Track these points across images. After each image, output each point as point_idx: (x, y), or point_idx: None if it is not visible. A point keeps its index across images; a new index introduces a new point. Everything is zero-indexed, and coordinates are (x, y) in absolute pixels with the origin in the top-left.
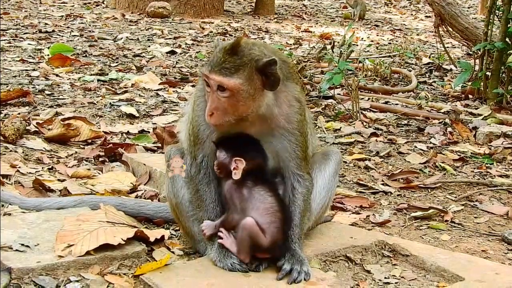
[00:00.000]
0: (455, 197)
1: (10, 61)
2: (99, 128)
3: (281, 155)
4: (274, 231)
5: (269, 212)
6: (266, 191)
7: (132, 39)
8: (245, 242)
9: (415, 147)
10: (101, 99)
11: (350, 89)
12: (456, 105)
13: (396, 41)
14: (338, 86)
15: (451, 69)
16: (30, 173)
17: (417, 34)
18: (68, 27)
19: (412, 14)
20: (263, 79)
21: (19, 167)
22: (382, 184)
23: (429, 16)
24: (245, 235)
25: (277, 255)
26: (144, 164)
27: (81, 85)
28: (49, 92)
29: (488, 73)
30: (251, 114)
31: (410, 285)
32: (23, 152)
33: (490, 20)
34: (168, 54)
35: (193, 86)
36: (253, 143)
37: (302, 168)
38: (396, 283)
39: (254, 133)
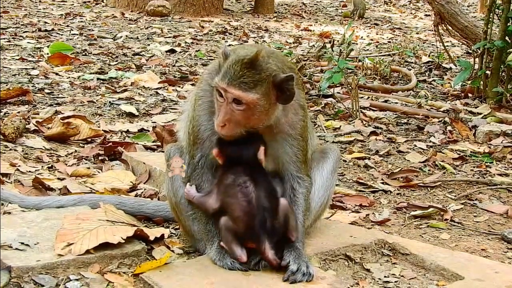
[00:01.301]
0: (455, 196)
1: (9, 59)
2: (98, 127)
3: (282, 158)
4: (245, 219)
5: (238, 206)
6: (242, 182)
7: (131, 38)
8: (227, 237)
9: (415, 145)
10: (100, 98)
11: (350, 87)
12: (455, 104)
13: (396, 39)
14: (337, 85)
15: (450, 68)
16: (29, 171)
17: (417, 33)
18: (67, 26)
19: (411, 13)
20: (277, 93)
21: (19, 166)
22: (382, 183)
23: (429, 15)
24: (223, 231)
25: (257, 243)
26: (144, 163)
27: (80, 83)
28: (49, 91)
29: (488, 72)
30: (261, 126)
31: (409, 284)
32: (22, 151)
33: (490, 19)
34: (168, 53)
35: (192, 85)
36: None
37: (302, 170)
38: (395, 282)
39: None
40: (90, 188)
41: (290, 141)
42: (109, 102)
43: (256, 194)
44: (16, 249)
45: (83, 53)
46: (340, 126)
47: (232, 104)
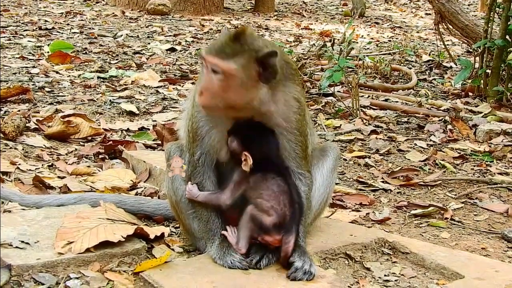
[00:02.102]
0: (455, 195)
1: (10, 58)
2: (99, 125)
3: (281, 154)
4: (279, 210)
5: (271, 197)
6: (272, 177)
7: (132, 36)
8: (245, 227)
9: (415, 144)
10: (101, 96)
11: (350, 86)
12: (456, 103)
13: (396, 38)
14: (338, 84)
15: (451, 67)
16: (30, 170)
17: (417, 32)
18: (68, 24)
19: (412, 12)
20: (260, 70)
21: (19, 164)
22: (382, 182)
23: (429, 14)
24: (246, 220)
25: (286, 233)
26: (144, 162)
27: (81, 82)
28: (49, 89)
29: (488, 71)
30: (241, 105)
31: (410, 282)
32: (23, 149)
33: (490, 18)
34: (168, 52)
35: (193, 83)
36: (264, 133)
37: (303, 167)
38: (396, 280)
39: None
40: (90, 186)
41: (287, 136)
42: (110, 100)
43: (287, 187)
44: (16, 247)
45: (84, 52)
46: (341, 125)
47: (212, 73)
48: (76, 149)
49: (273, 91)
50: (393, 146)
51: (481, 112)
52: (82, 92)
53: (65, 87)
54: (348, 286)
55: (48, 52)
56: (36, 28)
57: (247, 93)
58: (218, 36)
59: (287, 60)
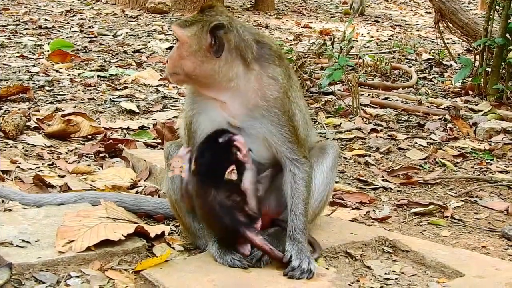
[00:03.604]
0: (455, 193)
1: (10, 57)
2: (99, 124)
3: (269, 140)
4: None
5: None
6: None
7: (132, 35)
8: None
9: (415, 143)
10: (101, 95)
11: (350, 85)
12: (456, 101)
13: (396, 37)
14: (338, 82)
15: (451, 65)
16: (30, 169)
17: (417, 30)
18: (68, 23)
19: (412, 10)
20: (211, 42)
21: (20, 163)
22: (382, 180)
23: (429, 12)
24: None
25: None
26: (144, 160)
27: (81, 81)
28: (49, 88)
29: (488, 69)
30: (200, 75)
31: (410, 280)
32: (23, 148)
33: (490, 16)
34: (168, 50)
35: None
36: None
37: (296, 152)
38: (396, 279)
39: (235, 115)
40: (91, 185)
41: (270, 117)
42: (110, 99)
43: (218, 198)
44: (17, 246)
45: (84, 51)
46: (341, 123)
47: (176, 43)
48: (76, 148)
49: (245, 70)
50: (393, 145)
51: (481, 111)
52: (82, 91)
53: (65, 86)
54: (349, 284)
55: (48, 51)
56: (36, 27)
57: (201, 64)
58: None
59: (263, 41)
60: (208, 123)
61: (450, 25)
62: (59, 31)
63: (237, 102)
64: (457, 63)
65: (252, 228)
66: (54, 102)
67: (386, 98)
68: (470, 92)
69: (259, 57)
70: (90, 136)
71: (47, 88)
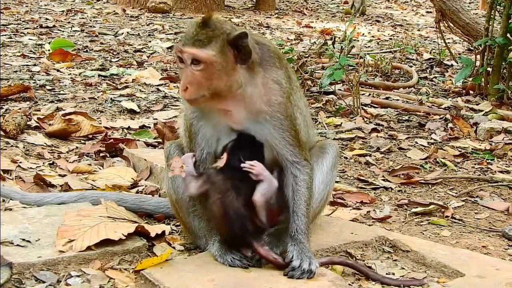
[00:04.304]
0: (456, 193)
1: (11, 56)
2: (100, 124)
3: (271, 143)
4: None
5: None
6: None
7: (133, 35)
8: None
9: (416, 142)
10: (102, 95)
11: (351, 84)
12: (457, 101)
13: (397, 36)
14: (339, 82)
15: (452, 65)
16: (31, 168)
17: (418, 30)
18: (69, 22)
19: (413, 10)
20: (234, 52)
21: (20, 162)
22: (383, 180)
23: (430, 12)
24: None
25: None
26: (145, 160)
27: (82, 80)
28: (50, 87)
29: (489, 69)
30: (226, 90)
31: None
32: (24, 147)
33: (491, 16)
34: (169, 50)
35: None
36: (252, 148)
37: (297, 155)
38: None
39: (240, 121)
40: (91, 184)
41: (272, 121)
42: (110, 98)
43: (234, 203)
44: (17, 245)
45: (85, 50)
46: (341, 123)
47: (191, 66)
48: (77, 147)
49: (250, 74)
50: (394, 144)
51: (482, 110)
52: (83, 90)
53: (66, 85)
54: (349, 284)
55: (49, 50)
56: (37, 26)
57: (229, 77)
58: (185, 28)
59: (263, 43)
60: (209, 128)
61: (451, 24)
62: (60, 30)
63: (242, 109)
64: (458, 63)
65: (258, 239)
66: (55, 102)
67: (387, 98)
68: (471, 92)
69: (261, 60)
70: (90, 136)
71: (48, 87)
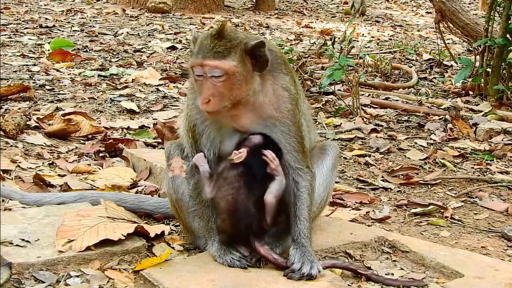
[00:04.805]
0: (455, 194)
1: (10, 56)
2: (99, 124)
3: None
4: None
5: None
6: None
7: (132, 35)
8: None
9: (415, 143)
10: (101, 95)
11: (351, 85)
12: (456, 102)
13: (397, 37)
14: (338, 82)
15: (451, 65)
16: (30, 168)
17: (418, 30)
18: (68, 22)
19: (412, 10)
20: (252, 61)
21: (20, 162)
22: (382, 180)
23: (430, 12)
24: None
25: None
26: (145, 160)
27: (81, 80)
28: (50, 87)
29: (489, 70)
30: (245, 97)
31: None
32: (23, 147)
33: (491, 16)
34: (169, 50)
35: None
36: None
37: (300, 161)
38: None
39: (247, 124)
40: (91, 184)
41: (279, 126)
42: (110, 98)
43: (244, 200)
44: (17, 245)
45: (84, 50)
46: (341, 123)
47: (211, 78)
48: (76, 147)
49: (261, 81)
50: (393, 145)
51: (481, 111)
52: (83, 90)
53: (65, 85)
54: (348, 285)
55: (48, 50)
56: (37, 26)
57: (247, 85)
58: (192, 41)
59: (270, 49)
60: (214, 129)
61: (451, 25)
62: (59, 30)
63: (251, 114)
64: (457, 64)
65: (260, 239)
66: (55, 101)
67: (386, 98)
68: (471, 93)
69: (270, 66)
70: (90, 136)
71: (47, 87)
